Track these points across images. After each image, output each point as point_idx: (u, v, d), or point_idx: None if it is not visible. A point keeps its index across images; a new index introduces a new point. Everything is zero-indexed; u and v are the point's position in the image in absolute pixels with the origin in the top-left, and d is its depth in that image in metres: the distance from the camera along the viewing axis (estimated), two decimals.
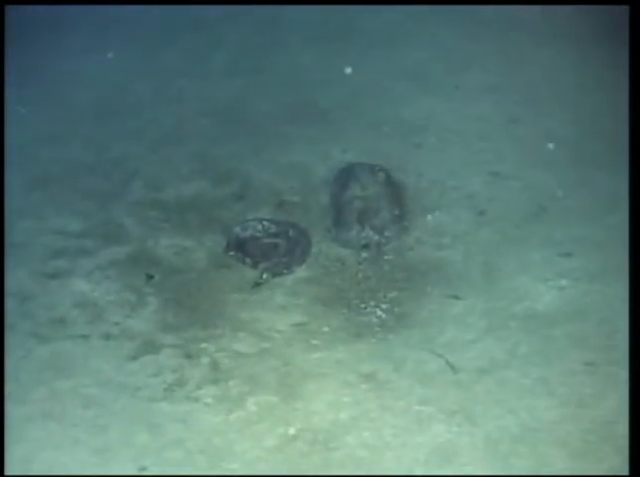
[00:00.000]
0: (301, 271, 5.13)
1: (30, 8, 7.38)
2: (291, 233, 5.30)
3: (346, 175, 5.75)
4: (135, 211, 5.58)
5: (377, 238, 5.30)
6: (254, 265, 5.13)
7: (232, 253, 5.20)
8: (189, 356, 4.46)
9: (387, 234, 5.34)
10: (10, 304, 4.74)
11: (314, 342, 4.56)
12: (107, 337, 4.60)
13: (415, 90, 6.81)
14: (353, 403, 4.12)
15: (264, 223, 5.36)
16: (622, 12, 6.73)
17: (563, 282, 4.83)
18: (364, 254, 5.23)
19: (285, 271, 5.10)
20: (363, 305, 4.85)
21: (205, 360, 4.43)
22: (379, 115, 6.57)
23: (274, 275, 5.06)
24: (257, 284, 4.99)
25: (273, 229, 5.35)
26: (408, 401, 4.11)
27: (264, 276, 5.04)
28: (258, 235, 5.32)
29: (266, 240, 5.28)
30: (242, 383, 4.27)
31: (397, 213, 5.47)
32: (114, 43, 7.50)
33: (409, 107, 6.60)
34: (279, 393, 4.20)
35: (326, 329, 4.67)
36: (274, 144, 6.27)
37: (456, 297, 4.84)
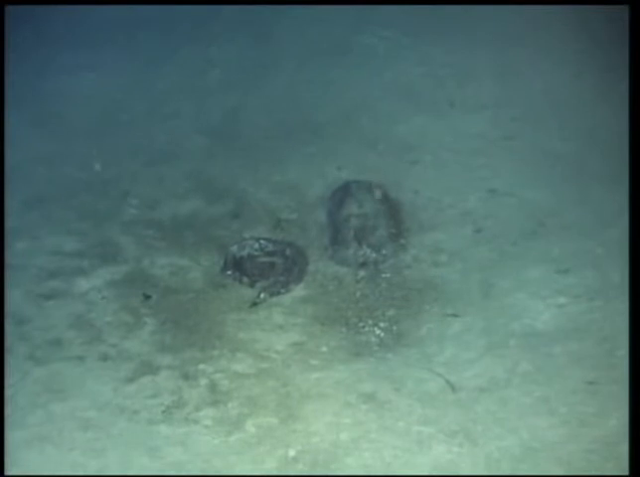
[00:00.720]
0: (299, 290, 5.11)
1: (22, 25, 7.34)
2: (288, 251, 5.28)
3: (342, 193, 5.73)
4: (131, 230, 5.55)
5: (374, 255, 5.28)
6: (252, 285, 5.11)
7: (229, 273, 5.18)
8: (187, 377, 4.42)
9: (384, 252, 5.32)
10: (5, 326, 4.68)
11: (313, 362, 4.53)
12: (104, 358, 4.55)
13: (409, 107, 6.80)
14: (353, 424, 4.09)
15: (261, 241, 5.33)
16: (619, 26, 6.79)
17: (562, 300, 4.81)
18: (361, 273, 5.21)
19: (283, 290, 5.08)
20: (361, 324, 4.83)
21: (203, 381, 4.39)
22: (373, 133, 6.56)
23: (272, 295, 5.03)
24: (255, 304, 4.97)
25: (270, 247, 5.32)
26: (409, 422, 4.08)
27: (262, 296, 5.01)
28: (255, 253, 5.30)
29: (263, 259, 5.26)
30: (241, 404, 4.23)
31: (393, 231, 5.45)
32: (108, 59, 7.46)
33: (404, 124, 6.59)
34: (279, 414, 4.16)
35: (324, 349, 4.64)
36: (269, 162, 6.25)
37: (454, 315, 4.82)
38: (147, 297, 4.99)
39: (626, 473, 3.48)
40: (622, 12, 6.52)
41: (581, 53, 7.20)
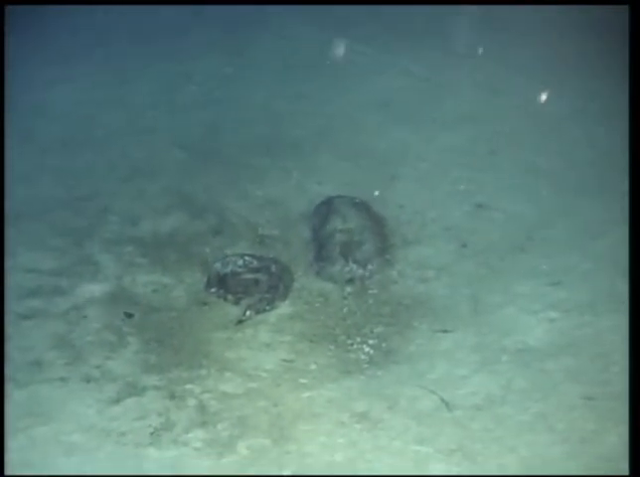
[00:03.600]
0: (285, 307, 5.01)
1: None
2: (273, 268, 5.18)
3: (325, 208, 5.64)
4: (110, 247, 5.42)
5: (360, 271, 5.20)
6: (236, 302, 5.00)
7: (213, 290, 5.06)
8: (174, 398, 4.29)
9: (370, 267, 5.23)
10: None
11: (303, 380, 4.43)
12: (87, 379, 4.41)
13: (389, 121, 6.78)
14: (348, 444, 3.98)
15: (245, 258, 5.22)
16: (600, 39, 6.83)
17: (553, 314, 4.76)
18: (348, 289, 5.11)
19: (268, 308, 4.97)
20: (349, 341, 4.74)
21: (191, 402, 4.26)
22: (353, 147, 6.51)
23: (258, 312, 4.93)
24: (241, 322, 4.86)
25: (255, 264, 5.21)
26: (405, 441, 3.99)
27: (248, 313, 4.90)
28: (239, 270, 5.18)
29: (248, 276, 5.15)
30: (232, 425, 4.11)
31: (379, 246, 5.37)
32: (82, 74, 7.33)
33: (384, 138, 6.56)
34: (271, 435, 4.05)
35: (314, 367, 4.54)
36: (249, 177, 6.18)
37: (444, 331, 4.75)
38: (129, 316, 4.85)
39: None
40: (603, 26, 6.63)
41: (560, 67, 7.21)
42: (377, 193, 5.85)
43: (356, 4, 7.92)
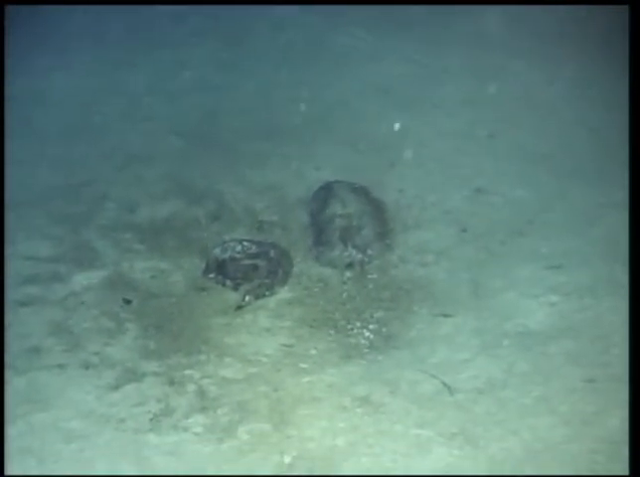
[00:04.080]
0: (284, 293, 4.98)
1: None
2: (272, 253, 5.14)
3: (324, 193, 5.60)
4: (108, 234, 5.39)
5: (360, 256, 5.17)
6: (235, 288, 4.96)
7: (211, 276, 5.03)
8: (174, 384, 4.26)
9: (369, 252, 5.20)
10: None
11: (303, 365, 4.40)
12: (86, 366, 4.37)
13: (388, 107, 6.74)
14: (349, 429, 3.95)
15: (244, 243, 5.18)
16: (594, 29, 6.80)
17: (554, 298, 4.73)
18: (347, 274, 5.08)
19: (268, 293, 4.94)
20: (349, 326, 4.71)
21: (191, 387, 4.23)
22: (352, 132, 6.48)
23: (257, 297, 4.89)
24: (240, 307, 4.83)
25: (253, 249, 5.17)
26: (406, 425, 3.96)
27: (247, 299, 4.87)
28: (238, 256, 5.14)
29: (247, 262, 5.11)
30: (232, 410, 4.08)
31: (379, 231, 5.34)
32: (78, 61, 7.28)
33: (383, 124, 6.51)
34: (271, 420, 4.02)
35: (314, 352, 4.52)
36: (247, 163, 6.14)
37: (445, 315, 4.72)
38: (128, 302, 4.82)
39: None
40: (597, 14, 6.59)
41: (557, 53, 7.17)
42: (378, 176, 5.80)
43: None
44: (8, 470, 3.55)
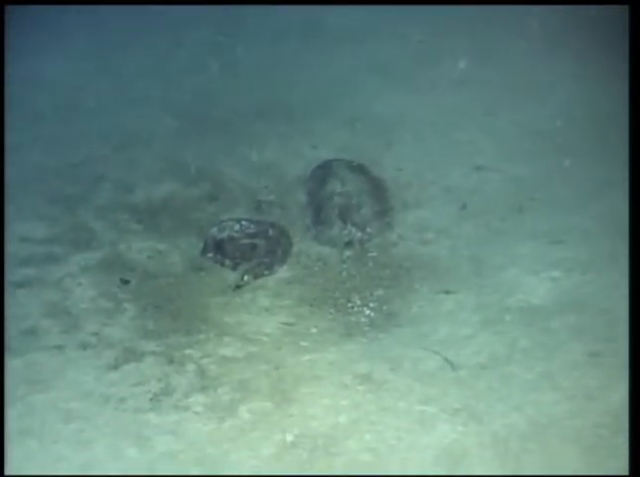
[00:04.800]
0: (283, 272, 4.94)
1: None
2: (271, 232, 5.10)
3: (323, 172, 5.55)
4: (104, 214, 5.34)
5: (359, 234, 5.12)
6: (234, 267, 4.92)
7: (209, 255, 4.98)
8: (173, 363, 4.21)
9: (369, 230, 5.16)
10: None
11: (303, 344, 4.36)
12: (84, 346, 4.32)
13: (386, 85, 6.68)
14: (351, 406, 3.91)
15: (243, 222, 5.13)
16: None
17: (555, 273, 4.69)
18: (347, 252, 5.04)
19: (267, 272, 4.89)
20: (350, 304, 4.67)
21: (190, 367, 4.18)
22: (350, 111, 6.42)
23: (256, 277, 4.85)
24: (239, 286, 4.78)
25: (252, 229, 5.12)
26: (409, 402, 3.92)
27: (246, 278, 4.82)
28: (236, 235, 5.09)
29: (245, 241, 5.06)
30: (233, 389, 4.03)
31: (378, 209, 5.29)
32: (72, 42, 7.20)
33: (381, 102, 6.46)
34: (273, 398, 3.97)
35: (314, 330, 4.47)
36: (244, 143, 6.08)
37: (446, 292, 4.68)
38: (125, 282, 4.77)
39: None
40: None
41: (555, 31, 7.11)
42: (376, 155, 5.76)
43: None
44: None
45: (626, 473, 3.31)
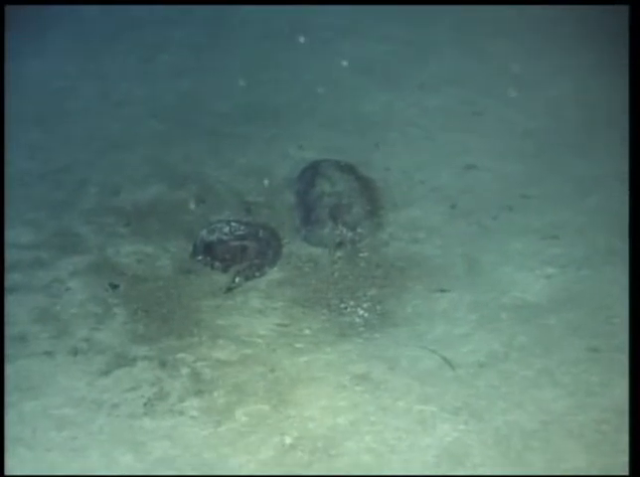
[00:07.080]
0: (274, 273, 4.87)
1: None
2: (261, 234, 5.02)
3: (311, 173, 5.49)
4: (91, 219, 5.25)
5: (350, 235, 5.06)
6: (225, 270, 4.85)
7: (199, 258, 4.91)
8: (166, 367, 4.13)
9: (360, 230, 5.10)
10: None
11: (298, 345, 4.29)
12: (75, 352, 4.23)
13: (372, 85, 6.66)
14: (350, 407, 3.85)
15: (232, 224, 5.06)
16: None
17: (550, 270, 4.66)
18: (338, 253, 4.98)
19: (258, 274, 4.82)
20: (343, 305, 4.61)
21: (184, 370, 4.10)
22: (336, 112, 6.39)
23: (247, 279, 4.78)
24: (230, 289, 4.71)
25: (242, 230, 5.05)
26: (408, 401, 3.86)
27: (237, 280, 4.75)
28: (226, 237, 5.02)
29: (235, 243, 4.99)
30: (228, 392, 3.96)
31: (368, 208, 5.24)
32: (52, 46, 7.10)
33: (368, 102, 6.44)
34: (270, 400, 3.90)
35: (308, 331, 4.41)
36: (229, 145, 6.03)
37: (441, 291, 4.63)
38: (114, 287, 4.69)
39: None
40: None
41: (541, 28, 7.11)
42: (364, 155, 5.71)
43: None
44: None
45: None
